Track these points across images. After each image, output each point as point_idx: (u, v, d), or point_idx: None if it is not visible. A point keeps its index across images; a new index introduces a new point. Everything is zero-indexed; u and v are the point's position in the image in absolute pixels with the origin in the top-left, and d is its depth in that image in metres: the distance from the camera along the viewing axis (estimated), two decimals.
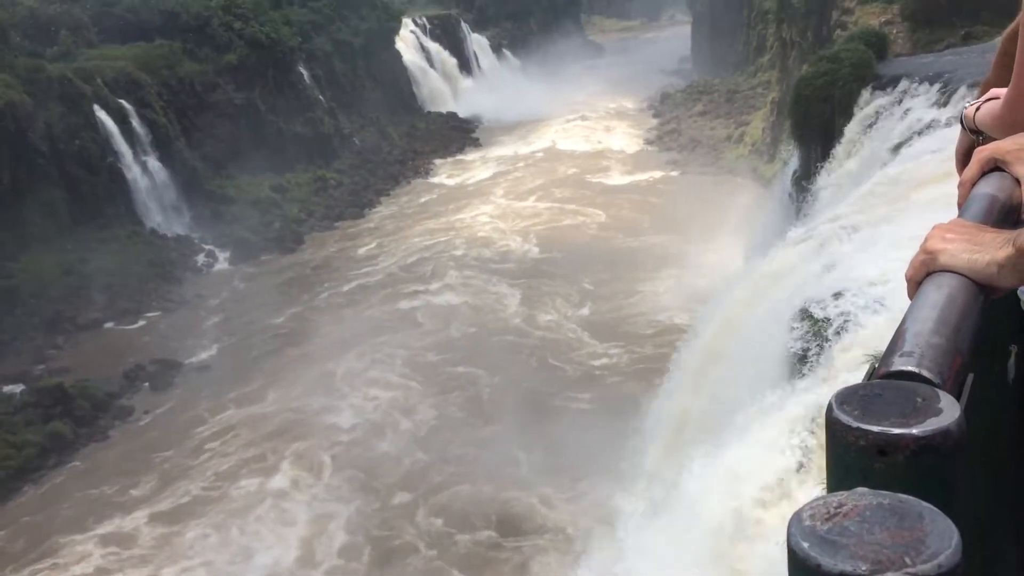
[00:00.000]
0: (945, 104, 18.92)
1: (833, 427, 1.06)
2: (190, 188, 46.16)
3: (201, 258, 43.26)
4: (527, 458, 24.11)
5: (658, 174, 52.40)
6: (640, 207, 46.06)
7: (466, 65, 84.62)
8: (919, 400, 1.07)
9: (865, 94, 23.82)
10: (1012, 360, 1.70)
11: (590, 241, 41.75)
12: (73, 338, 35.00)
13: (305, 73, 57.94)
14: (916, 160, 16.59)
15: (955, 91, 18.95)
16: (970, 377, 1.22)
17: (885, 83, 23.33)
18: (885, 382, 1.15)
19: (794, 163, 28.87)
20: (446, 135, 67.96)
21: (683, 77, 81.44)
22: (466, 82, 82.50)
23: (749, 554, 10.17)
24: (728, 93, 63.22)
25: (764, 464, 10.24)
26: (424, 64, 77.73)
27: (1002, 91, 2.14)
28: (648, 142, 60.89)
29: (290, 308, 36.92)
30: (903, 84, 21.99)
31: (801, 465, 9.99)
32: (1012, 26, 2.15)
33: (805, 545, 0.89)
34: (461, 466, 24.38)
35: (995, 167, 1.91)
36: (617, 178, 52.79)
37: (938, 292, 1.39)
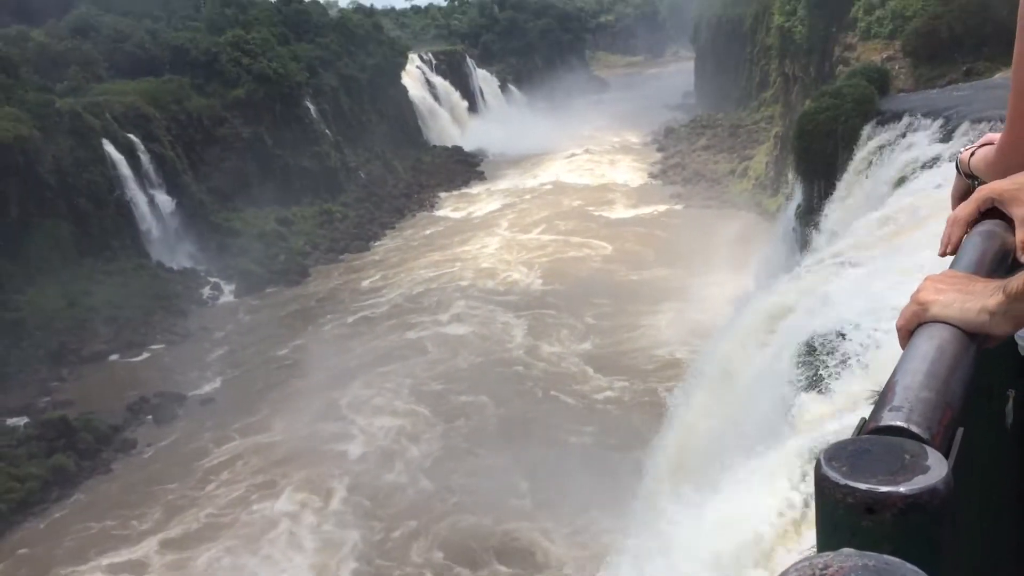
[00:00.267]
0: (948, 139, 18.98)
1: (821, 484, 1.05)
2: (196, 221, 46.44)
3: (206, 291, 43.39)
4: (530, 489, 24.09)
5: (662, 207, 52.58)
6: (644, 240, 46.16)
7: (471, 100, 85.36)
8: (907, 457, 1.07)
9: (868, 129, 23.93)
10: (1010, 405, 1.68)
11: (594, 274, 41.81)
12: (77, 370, 35.02)
13: (312, 108, 58.49)
14: (919, 195, 16.63)
15: (957, 126, 19.03)
16: (960, 432, 1.22)
17: (888, 118, 23.43)
18: (874, 437, 1.14)
19: (797, 197, 28.94)
20: (451, 169, 68.41)
21: (687, 112, 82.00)
22: (471, 116, 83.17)
23: None
24: (731, 127, 63.59)
25: (759, 512, 10.12)
26: (430, 99, 78.44)
27: (997, 136, 2.17)
28: (652, 176, 61.17)
29: (295, 340, 36.94)
30: (905, 119, 22.08)
31: (794, 518, 9.89)
32: None
33: None
34: (464, 496, 24.35)
35: (992, 207, 1.92)
36: (621, 211, 52.99)
37: (929, 343, 1.37)
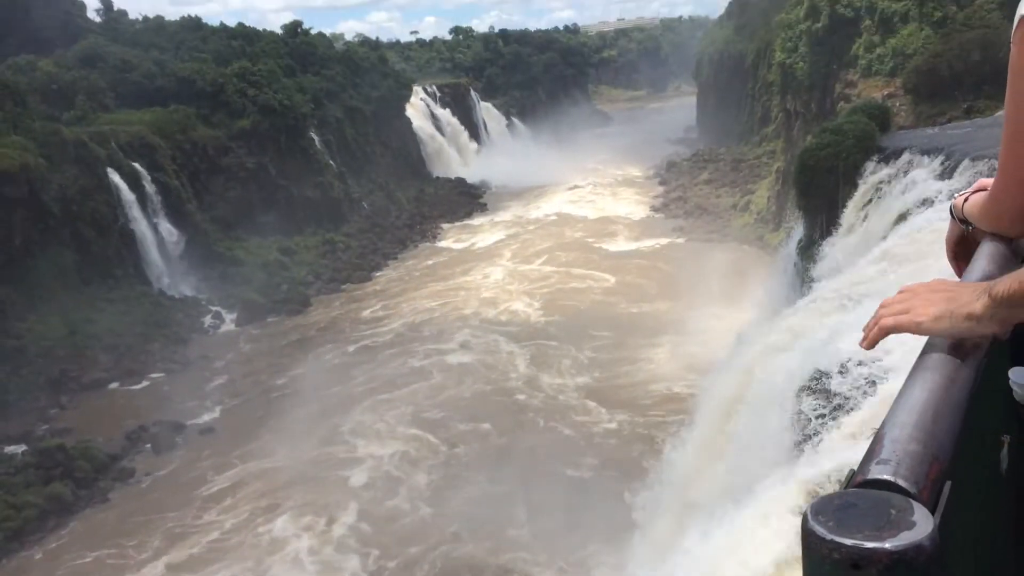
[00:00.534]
0: (948, 176, 19.06)
1: (808, 538, 1.05)
2: (199, 250, 46.57)
3: (208, 319, 43.40)
4: (528, 519, 24.02)
5: (664, 241, 52.69)
6: (645, 273, 46.20)
7: (475, 132, 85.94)
8: (893, 512, 1.06)
9: (869, 165, 24.05)
10: (1005, 451, 1.67)
11: (595, 305, 41.81)
12: (77, 398, 34.94)
13: (316, 138, 58.88)
14: (919, 231, 16.68)
15: (958, 164, 19.11)
16: (947, 485, 1.21)
17: (888, 155, 23.55)
18: (861, 491, 1.14)
19: (799, 232, 29.01)
20: (454, 200, 68.68)
21: (689, 146, 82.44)
22: (475, 148, 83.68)
23: None
24: (733, 162, 63.91)
25: (761, 548, 10.05)
26: (433, 131, 78.99)
27: (990, 182, 2.20)
28: (654, 209, 61.37)
29: (295, 369, 36.88)
30: (906, 156, 22.19)
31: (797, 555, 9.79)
32: None
33: None
34: (462, 524, 24.27)
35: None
36: (623, 244, 53.11)
37: (921, 391, 1.37)
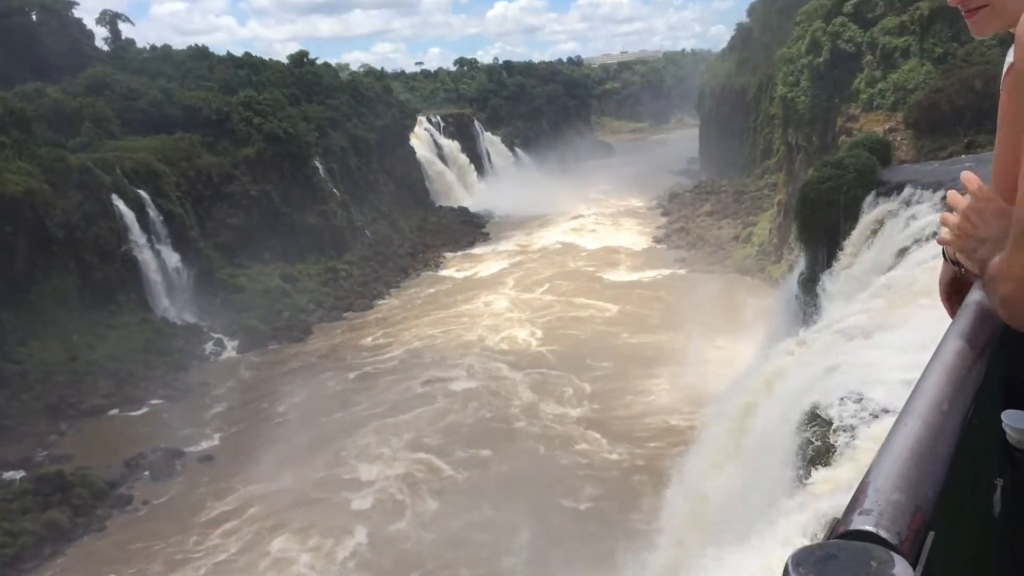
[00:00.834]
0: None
1: None
2: (202, 276, 46.66)
3: (209, 346, 43.37)
4: (526, 546, 23.91)
5: (666, 271, 52.74)
6: (647, 303, 46.20)
7: (478, 162, 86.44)
8: (874, 564, 1.04)
9: (870, 199, 24.11)
10: (998, 494, 1.65)
11: (596, 335, 41.77)
12: (76, 424, 34.83)
13: (320, 167, 59.20)
14: (920, 266, 16.70)
15: None
16: (930, 536, 1.19)
17: (889, 189, 23.62)
18: (842, 542, 1.12)
19: (800, 265, 29.04)
20: (457, 229, 68.91)
21: (691, 177, 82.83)
22: (478, 178, 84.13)
23: None
24: (736, 194, 64.13)
25: None
26: (437, 160, 79.47)
27: None
28: (656, 240, 61.51)
29: (294, 397, 36.78)
30: (907, 191, 22.27)
31: None
32: None
33: None
34: (461, 550, 24.21)
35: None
36: (625, 274, 53.18)
37: (906, 439, 1.35)
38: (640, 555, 19.74)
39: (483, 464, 29.41)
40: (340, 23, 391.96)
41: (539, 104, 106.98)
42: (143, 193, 44.98)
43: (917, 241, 18.87)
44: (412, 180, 73.63)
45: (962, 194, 2.24)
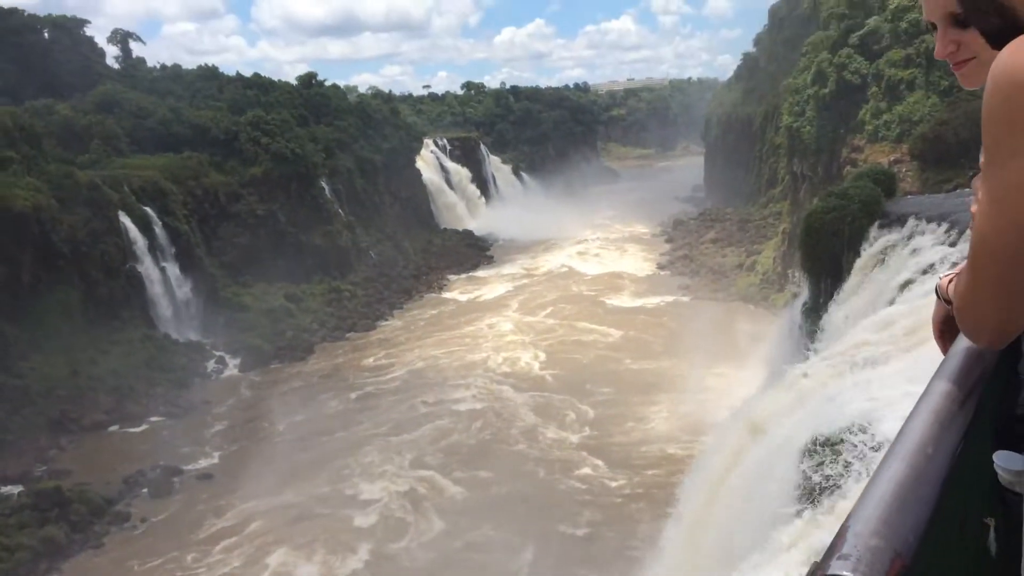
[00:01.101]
0: (953, 244, 19.08)
1: None
2: (206, 295, 46.76)
3: (211, 364, 43.37)
4: (526, 567, 23.89)
5: (669, 298, 52.75)
6: (649, 329, 46.19)
7: (484, 185, 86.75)
8: None
9: (874, 230, 24.10)
10: (991, 534, 1.63)
11: (598, 360, 41.73)
12: (77, 439, 34.76)
13: (327, 187, 59.45)
14: (924, 298, 16.68)
15: (964, 231, 19.15)
16: None
17: (893, 220, 23.60)
18: None
19: (804, 294, 29.02)
20: (461, 252, 69.07)
21: (696, 204, 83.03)
22: (483, 201, 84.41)
23: None
24: (740, 222, 64.26)
25: None
26: (443, 183, 79.78)
27: None
28: (660, 266, 61.58)
29: (294, 416, 36.75)
30: (911, 223, 22.22)
31: None
32: None
33: None
34: (461, 571, 24.16)
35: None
36: (628, 300, 53.18)
37: (888, 483, 1.33)
38: None
39: (484, 485, 29.39)
40: (349, 45, 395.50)
41: (545, 129, 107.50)
42: (150, 211, 45.19)
43: (921, 273, 18.86)
44: (417, 202, 73.89)
45: None
